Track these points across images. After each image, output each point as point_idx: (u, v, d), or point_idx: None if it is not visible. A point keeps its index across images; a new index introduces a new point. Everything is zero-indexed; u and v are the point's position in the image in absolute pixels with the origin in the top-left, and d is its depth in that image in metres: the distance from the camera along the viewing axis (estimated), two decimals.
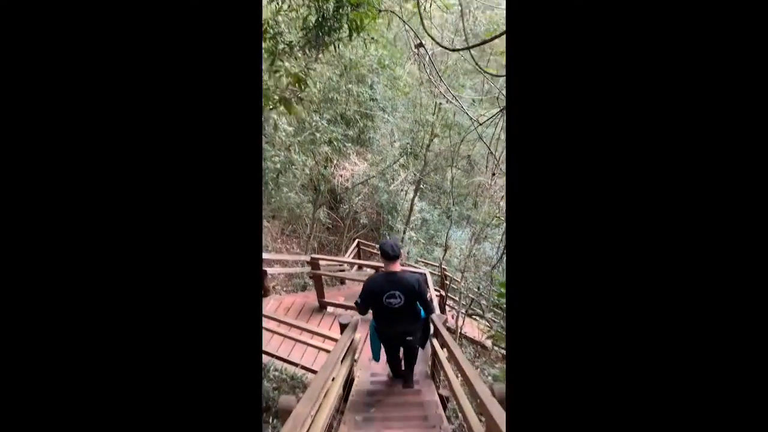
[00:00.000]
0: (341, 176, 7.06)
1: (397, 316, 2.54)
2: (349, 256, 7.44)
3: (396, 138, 5.87)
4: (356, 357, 3.27)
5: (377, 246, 8.00)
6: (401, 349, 2.87)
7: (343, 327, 2.99)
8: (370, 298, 2.53)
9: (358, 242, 7.93)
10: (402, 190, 7.46)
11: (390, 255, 2.44)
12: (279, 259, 5.18)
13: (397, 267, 2.51)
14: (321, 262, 4.35)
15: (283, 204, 7.45)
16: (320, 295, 4.48)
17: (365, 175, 6.95)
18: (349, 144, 6.32)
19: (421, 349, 2.93)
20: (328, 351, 3.27)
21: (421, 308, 2.68)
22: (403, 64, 5.70)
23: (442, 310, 5.07)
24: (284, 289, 6.21)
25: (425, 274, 4.28)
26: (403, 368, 2.99)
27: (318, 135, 4.44)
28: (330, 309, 4.59)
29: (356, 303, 2.67)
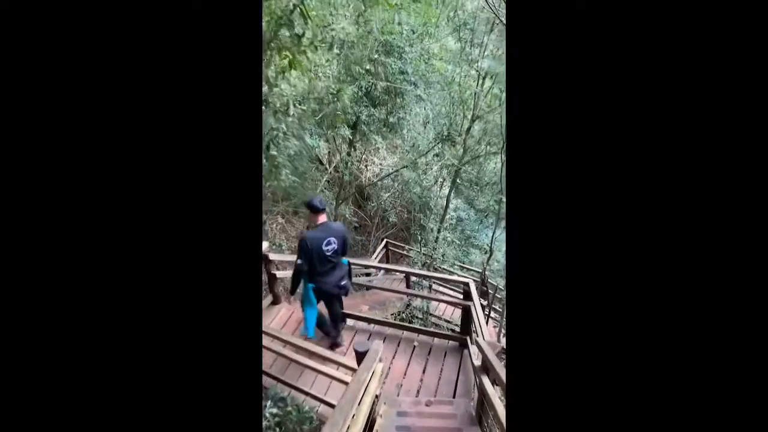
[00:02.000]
0: (366, 167, 6.34)
1: (332, 264, 2.81)
2: (376, 257, 6.70)
3: (430, 118, 5.00)
4: (378, 392, 2.51)
5: (407, 248, 7.30)
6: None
7: (360, 356, 2.22)
8: (312, 252, 2.67)
9: (386, 242, 7.18)
10: (435, 184, 6.59)
11: (319, 207, 2.68)
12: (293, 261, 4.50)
13: (324, 218, 2.75)
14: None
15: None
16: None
17: (394, 167, 6.17)
18: (376, 135, 5.54)
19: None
20: (343, 382, 2.56)
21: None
22: (439, 36, 4.87)
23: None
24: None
25: (469, 284, 3.43)
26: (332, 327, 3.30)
27: (333, 107, 3.68)
28: (350, 321, 3.84)
29: (297, 265, 2.74)
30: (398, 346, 3.58)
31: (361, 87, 4.09)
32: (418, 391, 3.09)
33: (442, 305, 5.68)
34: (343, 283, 2.96)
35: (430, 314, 5.80)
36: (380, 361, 2.52)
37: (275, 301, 4.11)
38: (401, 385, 3.14)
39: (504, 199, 4.74)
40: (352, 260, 3.63)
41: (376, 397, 2.48)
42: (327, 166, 7.72)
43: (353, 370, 2.45)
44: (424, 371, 3.29)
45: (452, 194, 6.70)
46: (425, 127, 5.44)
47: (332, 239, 2.70)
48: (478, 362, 2.53)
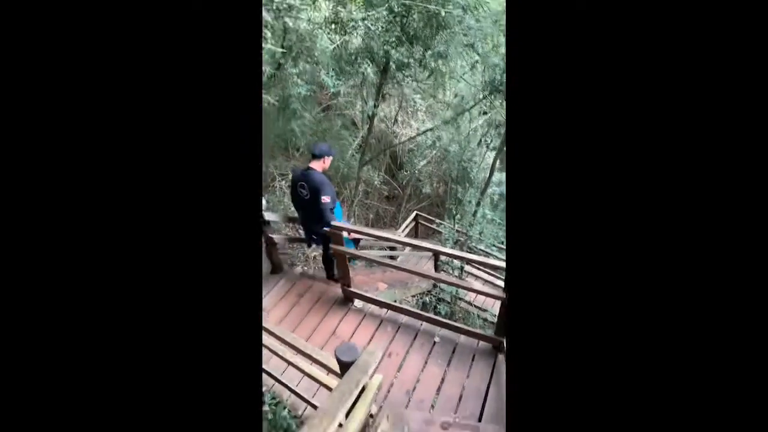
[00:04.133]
0: (400, 129, 5.46)
1: (304, 207, 2.97)
2: (403, 231, 5.95)
3: (480, 58, 3.96)
4: (375, 410, 1.82)
5: (437, 222, 6.49)
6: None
7: (344, 366, 1.52)
8: (292, 185, 2.96)
9: (416, 215, 6.39)
10: (478, 146, 5.60)
11: (314, 152, 2.86)
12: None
13: (315, 165, 2.85)
14: (347, 235, 2.89)
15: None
16: (345, 282, 3.06)
17: (432, 124, 5.24)
18: (412, 81, 4.59)
19: None
20: (329, 388, 1.89)
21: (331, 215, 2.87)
22: None
23: None
24: (318, 265, 4.94)
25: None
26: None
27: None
28: (359, 303, 3.16)
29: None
30: (414, 339, 2.87)
31: (393, 12, 3.19)
32: (432, 405, 2.39)
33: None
34: (314, 236, 3.12)
35: (459, 298, 5.03)
36: (378, 362, 1.82)
37: (274, 270, 3.51)
38: (412, 393, 2.45)
39: None
40: (356, 230, 2.93)
41: (371, 416, 1.80)
42: (360, 128, 6.94)
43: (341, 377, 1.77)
44: (443, 377, 2.57)
45: (497, 164, 5.72)
46: (472, 70, 4.41)
47: (306, 185, 2.83)
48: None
